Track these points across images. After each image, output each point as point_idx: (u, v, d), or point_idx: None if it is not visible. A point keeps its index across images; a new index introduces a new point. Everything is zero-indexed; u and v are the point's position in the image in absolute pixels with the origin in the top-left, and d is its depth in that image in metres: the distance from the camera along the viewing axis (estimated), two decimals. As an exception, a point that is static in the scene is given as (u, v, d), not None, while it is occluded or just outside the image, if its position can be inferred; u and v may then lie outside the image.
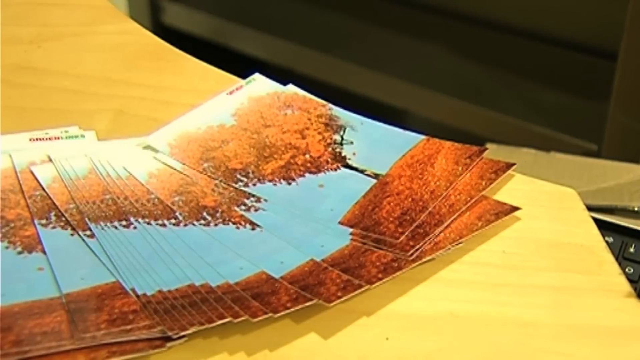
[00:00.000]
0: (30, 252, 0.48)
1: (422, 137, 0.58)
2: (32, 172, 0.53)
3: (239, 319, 0.43)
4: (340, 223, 0.51)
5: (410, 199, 0.52)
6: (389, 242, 0.49)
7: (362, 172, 0.55)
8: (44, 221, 0.50)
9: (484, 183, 0.53)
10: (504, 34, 1.53)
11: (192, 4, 1.86)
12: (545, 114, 1.40)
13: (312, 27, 1.74)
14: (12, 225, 0.50)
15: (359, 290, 0.45)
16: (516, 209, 0.52)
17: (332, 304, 0.44)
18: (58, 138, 0.57)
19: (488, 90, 1.48)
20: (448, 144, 0.57)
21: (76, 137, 0.57)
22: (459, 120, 1.46)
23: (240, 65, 0.72)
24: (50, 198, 0.52)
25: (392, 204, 0.52)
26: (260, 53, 1.74)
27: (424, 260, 0.48)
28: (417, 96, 1.53)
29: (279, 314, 0.44)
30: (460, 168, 0.54)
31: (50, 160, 0.55)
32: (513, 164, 0.55)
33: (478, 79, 1.51)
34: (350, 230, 0.50)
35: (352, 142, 0.58)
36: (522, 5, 1.53)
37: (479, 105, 1.44)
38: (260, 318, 0.43)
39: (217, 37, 1.81)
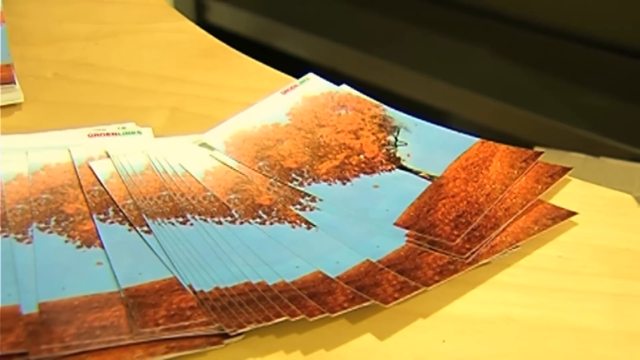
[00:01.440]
0: (89, 246, 0.48)
1: (477, 139, 0.58)
2: (90, 168, 0.54)
3: (296, 318, 0.43)
4: (396, 224, 0.50)
5: (465, 202, 0.52)
6: (444, 244, 0.48)
7: (416, 173, 0.55)
8: (102, 216, 0.51)
9: (540, 187, 0.53)
10: (551, 37, 1.52)
11: (237, 3, 1.87)
12: (592, 118, 1.39)
13: (356, 27, 1.74)
14: (72, 219, 0.50)
15: (416, 292, 0.45)
16: (573, 213, 0.51)
17: (388, 305, 0.44)
18: (115, 134, 0.57)
19: (533, 94, 1.47)
20: (503, 147, 0.57)
21: (133, 133, 0.58)
22: (504, 124, 1.45)
23: (283, 64, 0.72)
24: (108, 193, 0.52)
25: (447, 206, 0.52)
26: (303, 53, 1.74)
27: (480, 263, 0.48)
28: (461, 98, 1.52)
29: (335, 314, 0.44)
30: (515, 171, 0.54)
31: (108, 156, 0.55)
32: (569, 169, 0.55)
33: (523, 82, 1.50)
34: (406, 231, 0.50)
35: (406, 144, 0.58)
36: (569, 7, 1.52)
37: (524, 109, 1.43)
38: (317, 317, 0.43)
39: (261, 37, 1.81)
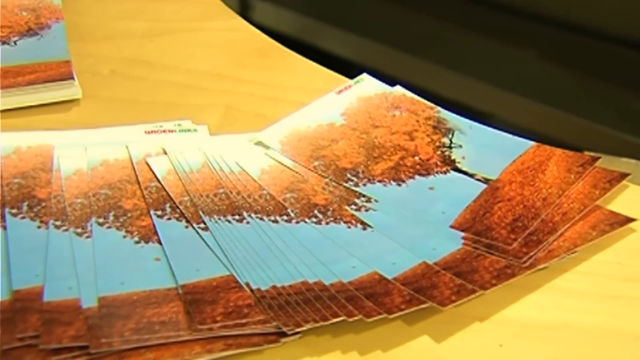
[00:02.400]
0: (146, 242, 0.49)
1: (532, 143, 0.57)
2: (147, 164, 0.55)
3: (353, 318, 0.43)
4: (452, 227, 0.50)
5: (522, 206, 0.51)
6: (501, 248, 0.48)
7: (472, 176, 0.55)
8: (159, 212, 0.51)
9: (597, 192, 0.52)
10: (596, 40, 1.50)
11: (281, 2, 1.87)
12: (638, 122, 1.37)
13: (400, 28, 1.73)
14: (129, 215, 0.51)
15: (473, 295, 0.45)
16: (631, 220, 0.51)
17: (446, 308, 0.44)
18: (172, 131, 0.58)
19: (580, 97, 1.46)
20: (559, 151, 0.56)
21: (189, 130, 0.58)
22: (548, 127, 1.44)
23: (325, 65, 0.72)
24: (165, 190, 0.53)
25: (503, 209, 0.51)
26: (347, 53, 1.74)
27: (537, 268, 0.47)
28: (504, 101, 1.51)
29: (393, 315, 0.44)
30: (572, 176, 0.54)
31: (165, 153, 0.56)
32: (627, 174, 0.54)
33: (570, 86, 1.48)
34: (462, 234, 0.50)
35: (461, 146, 0.58)
36: (615, 10, 1.50)
37: (571, 113, 1.42)
38: (374, 318, 0.43)
39: (304, 36, 1.81)
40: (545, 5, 1.58)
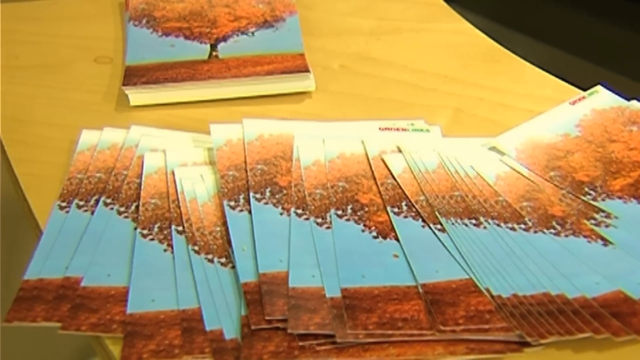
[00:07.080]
0: (384, 237, 0.49)
1: None
2: (383, 161, 0.55)
3: (601, 336, 0.42)
4: (700, 252, 0.48)
5: None
6: None
7: None
8: (396, 209, 0.51)
9: None
10: None
11: (470, 7, 1.85)
12: None
13: (590, 38, 1.68)
14: (366, 209, 0.51)
15: None
16: None
17: (699, 336, 0.42)
18: (405, 130, 0.58)
19: None
20: None
21: (422, 130, 0.58)
22: None
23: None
24: (400, 187, 0.53)
25: None
26: (532, 61, 1.70)
27: None
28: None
29: (643, 337, 0.42)
30: None
31: (400, 151, 0.56)
32: None
33: None
34: None
35: None
36: None
37: None
38: (622, 338, 0.42)
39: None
40: None
